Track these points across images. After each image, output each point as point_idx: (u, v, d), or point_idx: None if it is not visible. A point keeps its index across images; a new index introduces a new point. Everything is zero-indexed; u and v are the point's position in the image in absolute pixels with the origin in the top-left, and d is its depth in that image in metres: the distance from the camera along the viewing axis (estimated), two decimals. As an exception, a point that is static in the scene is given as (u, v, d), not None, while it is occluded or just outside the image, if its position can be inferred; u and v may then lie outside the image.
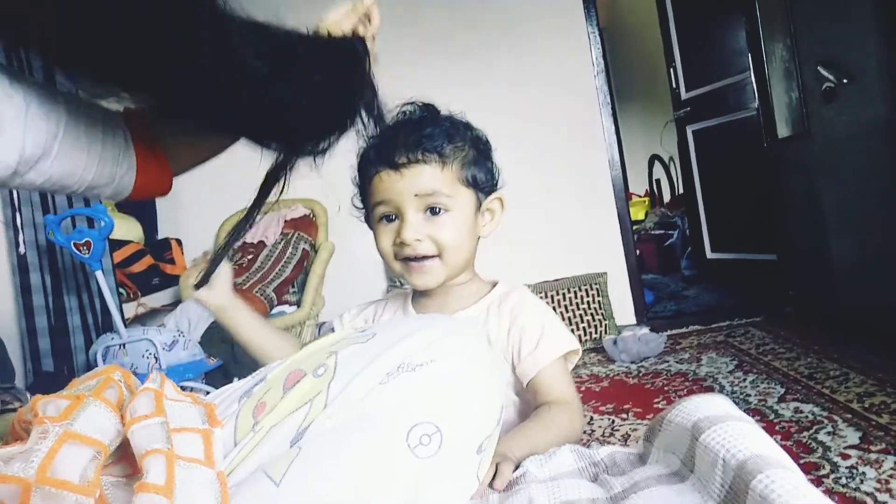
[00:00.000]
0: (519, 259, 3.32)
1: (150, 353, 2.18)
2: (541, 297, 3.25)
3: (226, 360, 2.36)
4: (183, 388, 2.11)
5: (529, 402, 0.95)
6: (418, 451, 0.53)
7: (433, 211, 0.90)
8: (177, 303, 2.90)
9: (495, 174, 0.99)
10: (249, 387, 0.58)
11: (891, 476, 1.47)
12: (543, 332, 0.92)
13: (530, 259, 3.31)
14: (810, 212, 2.64)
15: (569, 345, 0.93)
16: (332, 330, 1.04)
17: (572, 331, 3.18)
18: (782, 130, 2.69)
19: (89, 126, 0.71)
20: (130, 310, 2.80)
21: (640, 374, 2.56)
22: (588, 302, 3.19)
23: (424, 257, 0.92)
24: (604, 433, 2.10)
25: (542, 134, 3.29)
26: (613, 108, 3.35)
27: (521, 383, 0.95)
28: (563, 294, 3.22)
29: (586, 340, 3.15)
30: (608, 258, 3.32)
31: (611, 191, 3.33)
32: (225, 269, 0.96)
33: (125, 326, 2.25)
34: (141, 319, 2.85)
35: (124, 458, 0.46)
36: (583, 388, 2.59)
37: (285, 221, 3.21)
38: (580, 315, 3.18)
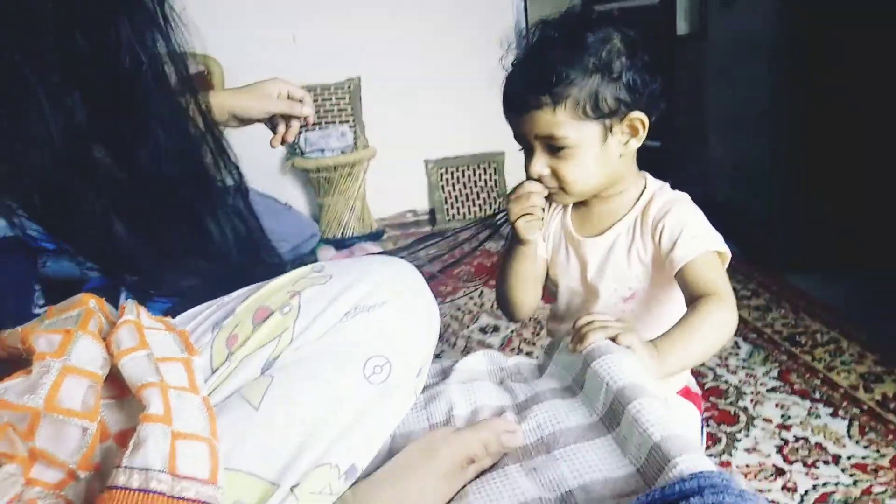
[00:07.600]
0: (422, 133, 3.35)
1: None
2: (440, 173, 3.35)
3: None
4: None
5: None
6: (372, 379, 0.64)
7: (553, 149, 0.93)
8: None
9: (637, 88, 0.91)
10: (219, 319, 0.64)
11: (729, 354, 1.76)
12: (685, 230, 0.90)
13: (433, 134, 3.35)
14: (695, 107, 2.83)
15: (713, 244, 0.91)
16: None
17: (468, 207, 3.33)
18: (681, 28, 2.81)
19: None
20: None
21: (528, 252, 2.77)
22: (485, 180, 3.32)
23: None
24: (492, 306, 2.30)
25: (452, 9, 3.23)
26: (524, -15, 3.30)
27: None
28: (462, 171, 3.32)
29: (480, 217, 3.30)
30: (507, 137, 3.38)
31: (516, 70, 3.34)
32: None
33: None
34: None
35: (107, 380, 0.53)
36: (475, 263, 2.77)
37: (177, 77, 3.04)
38: (476, 192, 3.32)
